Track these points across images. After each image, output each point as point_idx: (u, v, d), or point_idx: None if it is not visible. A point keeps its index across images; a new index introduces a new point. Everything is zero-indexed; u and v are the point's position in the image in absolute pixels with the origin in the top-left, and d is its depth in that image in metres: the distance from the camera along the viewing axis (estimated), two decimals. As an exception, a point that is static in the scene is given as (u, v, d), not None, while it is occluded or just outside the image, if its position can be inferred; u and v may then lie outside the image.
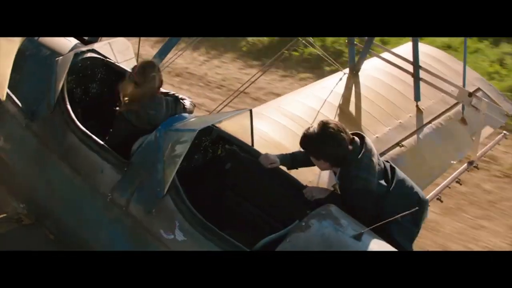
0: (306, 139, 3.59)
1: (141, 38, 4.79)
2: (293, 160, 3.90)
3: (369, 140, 3.61)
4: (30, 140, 4.05)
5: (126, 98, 3.77)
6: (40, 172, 4.00)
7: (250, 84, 5.39)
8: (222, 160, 4.15)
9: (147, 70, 3.77)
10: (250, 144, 4.04)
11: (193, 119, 3.73)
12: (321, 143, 3.52)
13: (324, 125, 3.53)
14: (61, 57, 4.06)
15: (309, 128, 3.60)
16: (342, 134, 3.52)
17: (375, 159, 3.57)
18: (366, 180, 3.50)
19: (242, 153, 4.01)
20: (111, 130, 3.85)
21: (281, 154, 3.89)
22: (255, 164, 3.91)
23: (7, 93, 3.98)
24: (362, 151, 3.53)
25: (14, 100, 4.03)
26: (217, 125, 4.03)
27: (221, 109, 5.10)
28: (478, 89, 6.62)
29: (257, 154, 3.92)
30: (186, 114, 3.79)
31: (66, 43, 4.42)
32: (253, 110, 4.10)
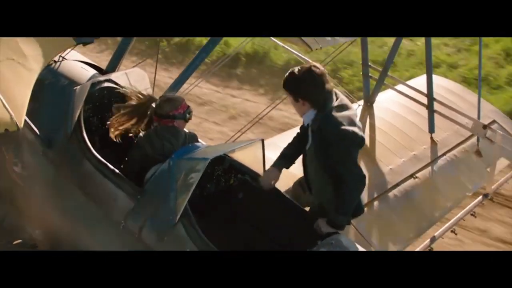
0: (290, 77, 3.70)
1: (157, 67, 4.89)
2: (285, 160, 4.00)
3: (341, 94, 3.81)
4: (46, 167, 4.13)
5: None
6: (56, 199, 4.07)
7: (268, 112, 5.46)
8: (234, 189, 4.18)
9: (166, 104, 3.86)
10: (262, 174, 4.07)
11: (205, 148, 3.79)
12: (306, 82, 3.65)
13: (310, 67, 3.67)
14: (78, 87, 4.15)
15: (294, 69, 3.70)
16: (326, 78, 3.68)
17: (351, 110, 3.77)
18: (346, 128, 3.61)
19: (254, 183, 4.04)
20: (126, 158, 3.92)
21: (273, 165, 3.99)
22: (266, 194, 3.96)
23: (25, 120, 4.07)
24: (338, 100, 3.72)
25: (32, 128, 4.12)
26: (229, 154, 4.08)
27: (238, 137, 5.14)
28: (494, 121, 6.59)
29: None
30: (198, 144, 3.86)
31: (84, 73, 4.52)
32: (267, 141, 4.15)
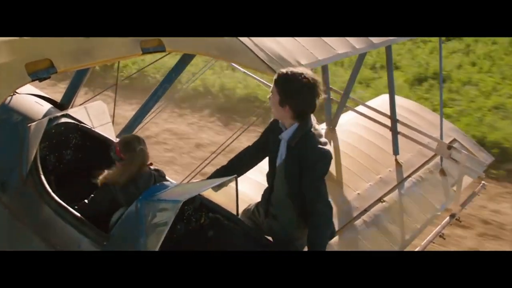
0: (287, 76, 3.38)
1: (116, 99, 4.63)
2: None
3: None
4: (0, 213, 3.80)
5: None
6: (12, 248, 3.74)
7: (231, 142, 5.25)
8: (205, 228, 3.96)
9: (131, 145, 3.57)
10: (234, 212, 3.87)
11: (175, 188, 3.56)
12: (303, 88, 3.36)
13: (309, 75, 3.39)
14: (34, 123, 3.86)
15: (292, 69, 3.42)
16: (319, 91, 3.41)
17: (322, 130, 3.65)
18: (324, 148, 3.48)
19: (226, 221, 3.84)
20: (91, 197, 3.64)
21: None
22: (238, 232, 3.78)
23: None
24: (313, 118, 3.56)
25: (-18, 170, 3.80)
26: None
27: (201, 169, 4.91)
28: (454, 140, 6.62)
29: (241, 223, 3.78)
30: (167, 183, 3.61)
31: (38, 108, 4.23)
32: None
